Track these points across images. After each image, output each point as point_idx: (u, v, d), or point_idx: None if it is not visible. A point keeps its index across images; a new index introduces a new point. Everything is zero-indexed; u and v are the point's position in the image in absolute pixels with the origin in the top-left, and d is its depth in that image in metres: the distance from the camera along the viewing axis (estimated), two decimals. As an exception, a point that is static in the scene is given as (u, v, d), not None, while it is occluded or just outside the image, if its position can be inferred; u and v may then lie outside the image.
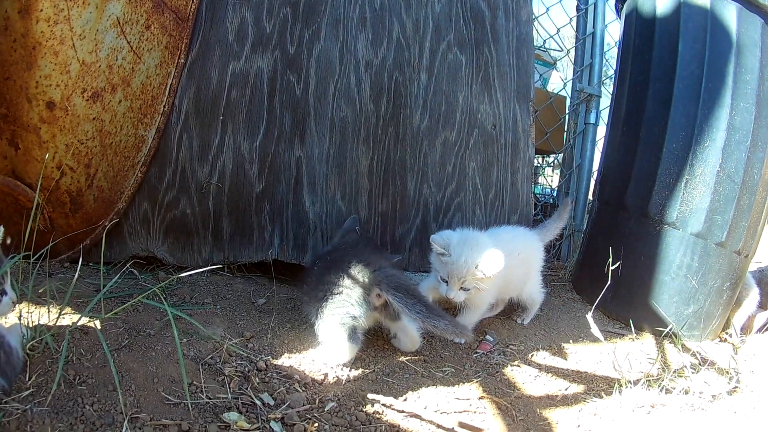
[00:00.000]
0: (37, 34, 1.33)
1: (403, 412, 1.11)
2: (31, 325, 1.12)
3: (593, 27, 2.16)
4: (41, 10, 1.31)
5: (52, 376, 1.02)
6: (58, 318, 1.16)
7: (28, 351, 1.06)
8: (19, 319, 1.10)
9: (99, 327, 1.23)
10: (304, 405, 1.08)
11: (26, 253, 1.24)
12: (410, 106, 1.61)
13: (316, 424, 1.04)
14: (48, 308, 1.21)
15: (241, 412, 1.05)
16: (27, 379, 1.00)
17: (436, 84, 1.64)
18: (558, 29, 2.15)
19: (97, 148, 1.56)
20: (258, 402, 1.08)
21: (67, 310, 1.32)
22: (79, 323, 1.18)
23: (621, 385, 1.26)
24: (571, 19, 2.19)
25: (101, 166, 1.58)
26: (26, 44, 1.34)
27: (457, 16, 1.70)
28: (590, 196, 2.17)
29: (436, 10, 1.69)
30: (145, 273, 1.63)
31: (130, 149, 1.61)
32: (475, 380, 1.28)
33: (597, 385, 1.33)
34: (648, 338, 1.69)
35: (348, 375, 1.24)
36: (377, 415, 1.09)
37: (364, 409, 1.10)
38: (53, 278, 1.46)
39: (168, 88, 1.63)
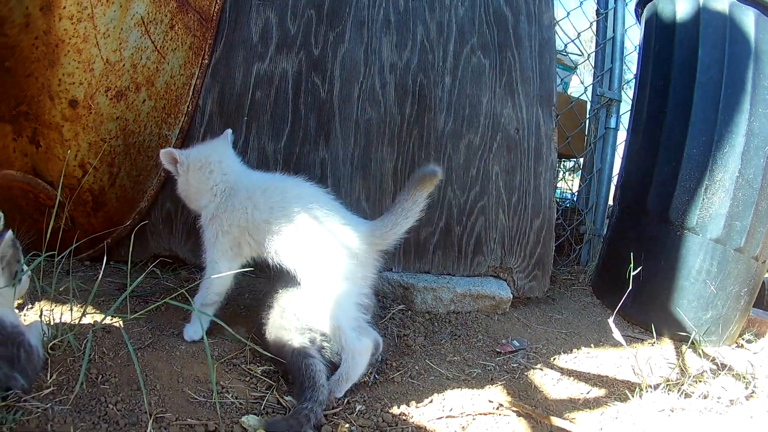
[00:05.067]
0: (60, 31, 1.39)
1: (429, 414, 1.21)
2: (51, 324, 1.19)
3: (613, 31, 2.34)
4: (64, 8, 1.38)
5: (73, 374, 1.09)
6: (81, 317, 1.26)
7: (49, 350, 1.12)
8: (40, 318, 1.18)
9: (122, 326, 1.32)
10: (333, 408, 1.19)
11: (50, 253, 1.30)
12: (434, 109, 1.78)
13: (347, 425, 1.13)
14: (71, 307, 1.30)
15: (267, 414, 1.14)
16: (48, 377, 1.06)
17: (460, 87, 1.81)
18: (578, 33, 2.34)
19: (121, 147, 1.69)
20: (284, 403, 1.18)
21: (89, 308, 1.40)
22: (99, 323, 1.26)
23: (642, 389, 1.37)
24: (591, 23, 2.38)
25: (124, 165, 1.72)
26: (48, 41, 1.41)
27: (481, 20, 1.88)
28: (610, 201, 2.35)
29: (460, 13, 1.86)
30: (167, 272, 1.77)
31: (153, 149, 1.75)
32: (500, 383, 1.39)
33: (618, 389, 1.44)
34: (667, 343, 1.82)
35: (375, 377, 1.37)
36: (403, 417, 1.20)
37: (391, 411, 1.21)
38: (73, 276, 1.54)
39: (192, 89, 1.78)
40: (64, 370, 1.10)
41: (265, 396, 1.20)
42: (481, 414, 1.24)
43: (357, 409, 1.21)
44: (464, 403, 1.28)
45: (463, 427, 1.18)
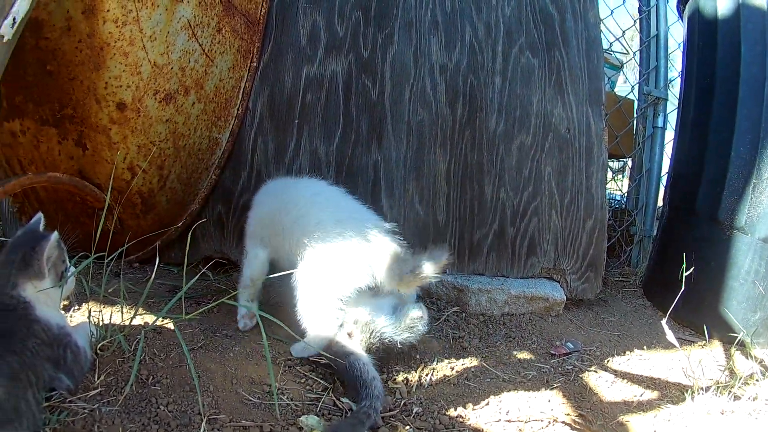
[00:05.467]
0: (104, 34, 1.38)
1: (485, 417, 1.21)
2: (100, 324, 1.19)
3: (657, 29, 2.33)
4: (108, 11, 1.36)
5: (122, 375, 1.09)
6: (132, 318, 1.27)
7: (98, 350, 1.13)
8: (88, 318, 1.19)
9: (173, 327, 1.32)
10: (390, 410, 1.19)
11: (99, 254, 1.31)
12: (486, 109, 1.77)
13: (406, 427, 1.13)
14: (121, 308, 1.31)
15: (323, 415, 1.14)
16: (95, 378, 1.06)
17: (510, 88, 1.80)
18: (623, 31, 2.33)
19: (170, 150, 1.70)
20: (340, 405, 1.18)
21: (140, 310, 1.40)
22: (152, 323, 1.28)
23: (693, 392, 1.36)
24: (635, 21, 2.37)
25: (174, 168, 1.73)
26: (93, 45, 1.39)
27: (527, 20, 1.87)
28: (660, 202, 2.33)
29: (506, 13, 1.86)
30: (219, 274, 1.78)
31: (204, 151, 1.77)
32: (555, 385, 1.38)
33: (670, 391, 1.42)
34: (716, 345, 1.78)
35: (430, 379, 1.37)
36: (460, 420, 1.19)
37: (448, 413, 1.20)
38: (123, 278, 1.56)
39: (241, 92, 1.79)
40: (112, 371, 1.11)
41: (321, 398, 1.20)
42: (537, 419, 1.23)
43: (414, 411, 1.20)
44: (521, 406, 1.27)
45: (520, 430, 1.18)
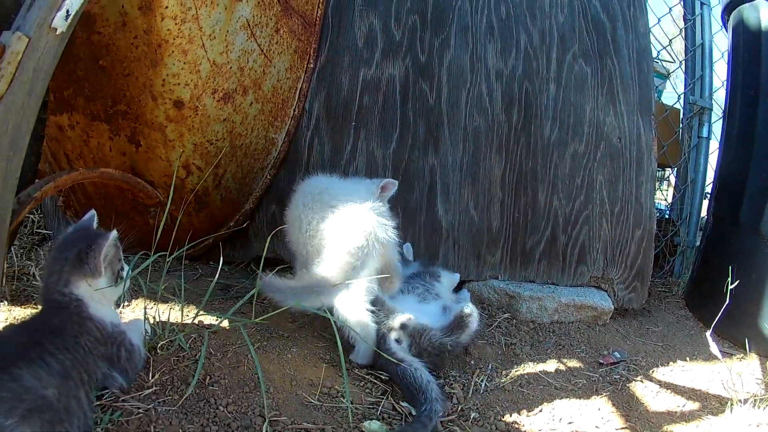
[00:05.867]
0: (163, 31, 1.36)
1: (539, 423, 1.24)
2: (153, 322, 1.19)
3: (701, 38, 2.35)
4: (166, 7, 1.34)
5: (177, 374, 1.09)
6: (195, 317, 1.27)
7: (158, 349, 1.13)
8: (144, 317, 1.17)
9: (227, 326, 1.33)
10: (448, 414, 1.21)
11: (143, 252, 1.32)
12: (540, 116, 1.78)
13: None
14: (181, 308, 1.30)
15: (383, 419, 1.16)
16: (150, 377, 1.06)
17: (564, 95, 1.81)
18: (670, 41, 2.34)
19: (227, 149, 1.71)
20: (400, 409, 1.20)
21: (192, 309, 1.41)
22: (217, 324, 1.28)
23: (732, 404, 1.39)
24: (681, 29, 2.38)
25: (230, 167, 1.74)
26: (150, 41, 1.37)
27: (580, 28, 1.88)
28: (703, 212, 2.34)
29: (560, 20, 1.87)
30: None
31: (260, 152, 1.78)
32: (604, 394, 1.41)
33: (710, 403, 1.46)
34: (754, 358, 1.80)
35: (485, 385, 1.40)
36: (516, 426, 1.22)
37: (503, 419, 1.23)
38: (171, 275, 1.55)
39: (298, 92, 1.81)
40: (167, 370, 1.11)
41: (381, 401, 1.22)
42: (588, 429, 1.25)
43: (471, 417, 1.23)
44: (572, 413, 1.30)
45: None
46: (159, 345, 1.15)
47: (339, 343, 1.13)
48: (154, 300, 1.37)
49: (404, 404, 1.22)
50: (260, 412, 1.06)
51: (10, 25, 1.02)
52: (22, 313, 1.33)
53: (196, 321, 1.32)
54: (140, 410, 0.97)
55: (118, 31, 1.37)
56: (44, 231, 2.06)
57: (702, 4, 2.38)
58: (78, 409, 0.85)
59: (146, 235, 1.36)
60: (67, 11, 1.00)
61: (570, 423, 1.27)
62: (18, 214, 1.17)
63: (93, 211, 1.13)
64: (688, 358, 1.75)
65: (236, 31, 1.55)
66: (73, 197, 1.89)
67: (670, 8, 2.36)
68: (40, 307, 1.31)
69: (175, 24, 1.37)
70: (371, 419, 1.14)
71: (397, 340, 1.31)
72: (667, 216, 2.55)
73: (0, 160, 0.96)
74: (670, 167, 2.54)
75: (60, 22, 0.99)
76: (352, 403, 1.17)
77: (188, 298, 1.46)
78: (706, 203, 2.40)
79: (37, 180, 1.33)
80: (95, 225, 1.12)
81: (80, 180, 1.47)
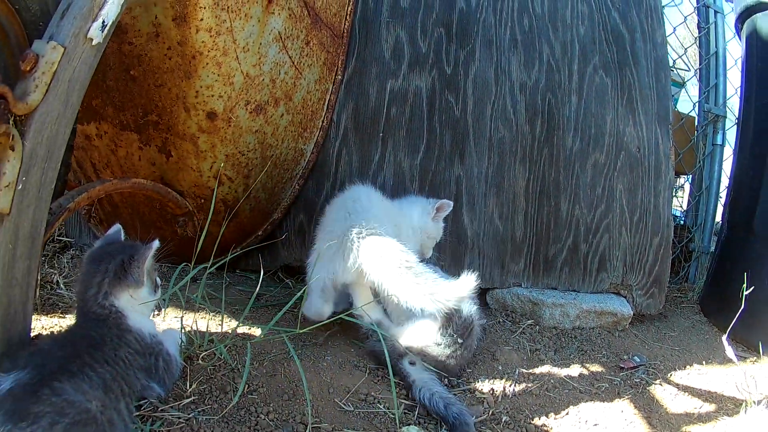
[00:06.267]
0: (197, 43, 1.36)
1: (566, 426, 1.30)
2: (192, 331, 1.21)
3: (715, 46, 2.40)
4: (201, 20, 1.33)
5: (215, 383, 1.12)
6: (237, 327, 1.31)
7: (200, 359, 1.16)
8: (181, 327, 1.20)
9: (261, 335, 1.37)
10: (480, 417, 1.27)
11: (190, 262, 1.35)
12: (563, 128, 1.84)
13: None
14: (221, 318, 1.33)
15: (419, 423, 1.20)
16: (187, 386, 1.08)
17: (586, 106, 1.87)
18: (685, 49, 2.39)
19: (258, 160, 1.75)
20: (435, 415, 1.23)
21: (225, 318, 1.41)
22: (261, 335, 1.31)
23: (747, 405, 1.44)
24: (696, 38, 2.43)
25: (260, 178, 1.79)
26: (184, 53, 1.37)
27: (600, 39, 1.93)
28: (717, 219, 2.41)
29: (581, 32, 1.92)
30: (299, 282, 1.85)
31: (289, 162, 1.83)
32: (626, 397, 1.48)
33: (725, 405, 1.52)
34: (766, 361, 1.87)
35: (514, 389, 1.46)
36: (545, 428, 1.28)
37: (533, 422, 1.29)
38: (197, 284, 1.57)
39: (326, 104, 1.85)
40: (204, 379, 1.14)
41: (416, 407, 1.27)
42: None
43: (503, 420, 1.29)
44: (597, 416, 1.37)
45: None
46: (201, 355, 1.17)
47: (386, 354, 1.18)
48: (186, 309, 1.39)
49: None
50: (301, 419, 1.10)
51: (38, 32, 1.02)
52: (48, 322, 1.35)
53: (239, 331, 1.36)
54: (181, 420, 0.98)
55: (151, 42, 1.37)
56: (65, 238, 2.07)
57: (716, 12, 2.44)
58: (120, 421, 0.85)
59: (174, 245, 1.36)
60: (103, 22, 1.00)
61: (595, 425, 1.33)
62: (51, 225, 1.15)
63: (119, 225, 1.15)
64: (704, 362, 1.81)
65: (269, 44, 1.57)
66: (98, 206, 1.90)
67: (686, 17, 2.41)
68: (74, 319, 1.30)
69: (210, 36, 1.37)
70: (409, 424, 1.19)
71: (411, 363, 1.35)
72: (682, 222, 2.61)
73: (35, 171, 0.95)
74: (686, 174, 2.60)
75: (96, 33, 0.99)
76: (388, 409, 1.22)
77: (219, 307, 1.49)
78: (720, 209, 2.46)
79: (66, 191, 1.32)
80: (122, 237, 1.13)
81: (113, 190, 1.47)
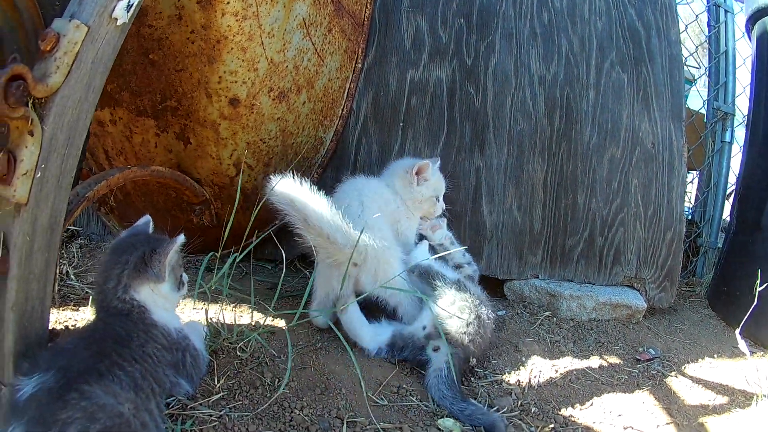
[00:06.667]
0: (222, 27, 1.32)
1: (592, 416, 1.33)
2: (220, 323, 1.19)
3: (725, 45, 2.45)
4: (228, 3, 1.30)
5: (244, 378, 1.10)
6: (273, 318, 1.29)
7: (238, 351, 1.14)
8: (207, 320, 1.17)
9: (284, 327, 1.35)
10: (511, 409, 1.29)
11: (212, 250, 1.34)
12: (580, 121, 1.86)
13: (551, 426, 1.24)
14: (251, 310, 1.33)
15: (451, 415, 1.20)
16: (215, 382, 1.05)
17: (603, 101, 1.89)
18: (696, 47, 2.43)
19: (279, 148, 1.73)
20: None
21: (245, 309, 1.45)
22: (293, 322, 1.28)
23: (758, 398, 1.49)
24: (707, 36, 2.47)
25: (280, 166, 1.76)
26: (208, 37, 1.33)
27: (617, 35, 1.96)
28: (725, 215, 2.45)
29: (599, 28, 1.94)
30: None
31: (309, 150, 1.82)
32: (645, 389, 1.51)
33: (736, 397, 1.56)
34: None
35: (539, 381, 1.47)
36: (572, 419, 1.31)
37: (561, 413, 1.32)
38: (212, 275, 1.56)
39: (346, 92, 1.85)
40: (232, 374, 1.11)
41: None
42: (635, 423, 1.34)
43: (532, 411, 1.31)
44: (620, 406, 1.40)
45: (624, 427, 1.30)
46: (239, 346, 1.15)
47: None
48: (205, 301, 1.34)
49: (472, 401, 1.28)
50: (337, 413, 1.08)
51: (54, 12, 0.96)
52: (61, 316, 1.32)
53: (250, 321, 1.33)
54: (213, 417, 0.95)
55: (173, 25, 1.32)
56: (73, 227, 2.02)
57: (726, 12, 2.48)
58: (151, 421, 0.80)
59: (188, 232, 1.36)
60: (129, 2, 0.95)
61: (620, 416, 1.36)
62: (69, 215, 1.10)
63: (148, 217, 1.11)
64: (715, 355, 1.84)
65: (293, 30, 1.53)
66: (109, 194, 1.88)
67: (697, 15, 2.45)
68: (87, 312, 1.29)
69: (236, 20, 1.34)
70: (444, 416, 1.19)
71: (435, 349, 1.32)
72: (690, 217, 2.66)
73: (55, 158, 0.89)
74: (695, 170, 2.64)
75: (121, 13, 0.93)
76: (421, 401, 1.22)
77: (237, 298, 1.48)
78: (728, 205, 2.51)
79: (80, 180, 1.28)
80: (151, 230, 1.09)
81: (132, 178, 1.42)
